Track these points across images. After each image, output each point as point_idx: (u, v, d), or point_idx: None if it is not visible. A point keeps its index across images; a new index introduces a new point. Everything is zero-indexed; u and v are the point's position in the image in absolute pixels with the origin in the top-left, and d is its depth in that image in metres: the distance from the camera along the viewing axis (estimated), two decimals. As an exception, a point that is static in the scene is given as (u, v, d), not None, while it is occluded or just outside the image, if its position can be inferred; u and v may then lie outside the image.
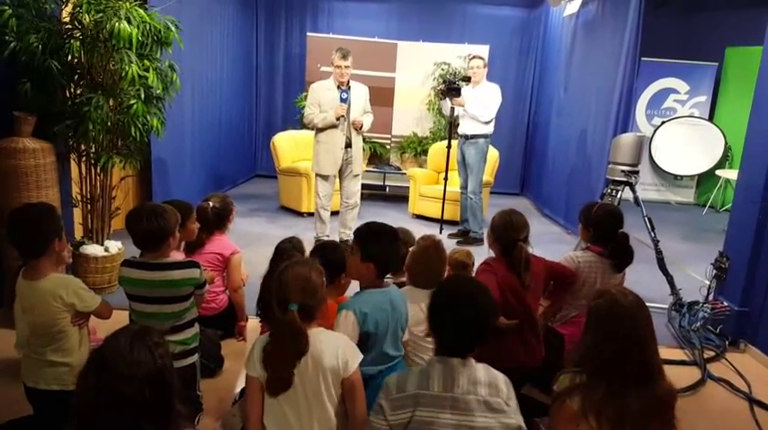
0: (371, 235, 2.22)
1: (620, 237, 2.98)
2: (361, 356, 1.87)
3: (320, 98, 4.98)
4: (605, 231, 2.98)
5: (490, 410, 1.66)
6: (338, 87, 4.95)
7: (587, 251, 3.02)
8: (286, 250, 2.87)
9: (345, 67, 4.90)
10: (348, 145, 5.08)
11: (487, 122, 5.67)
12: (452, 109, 5.65)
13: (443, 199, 5.91)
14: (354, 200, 5.32)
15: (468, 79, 5.74)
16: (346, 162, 5.13)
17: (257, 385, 1.80)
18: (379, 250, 2.17)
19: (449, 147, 5.80)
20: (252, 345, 1.86)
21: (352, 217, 5.36)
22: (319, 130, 5.05)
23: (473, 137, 5.72)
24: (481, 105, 5.60)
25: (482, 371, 1.72)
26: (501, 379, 1.74)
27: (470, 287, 1.78)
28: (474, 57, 5.80)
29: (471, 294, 1.73)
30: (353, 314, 2.07)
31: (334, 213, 5.47)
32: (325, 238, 5.24)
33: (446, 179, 5.86)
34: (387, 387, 1.73)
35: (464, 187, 5.92)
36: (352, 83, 5.07)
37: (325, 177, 5.12)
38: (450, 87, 5.56)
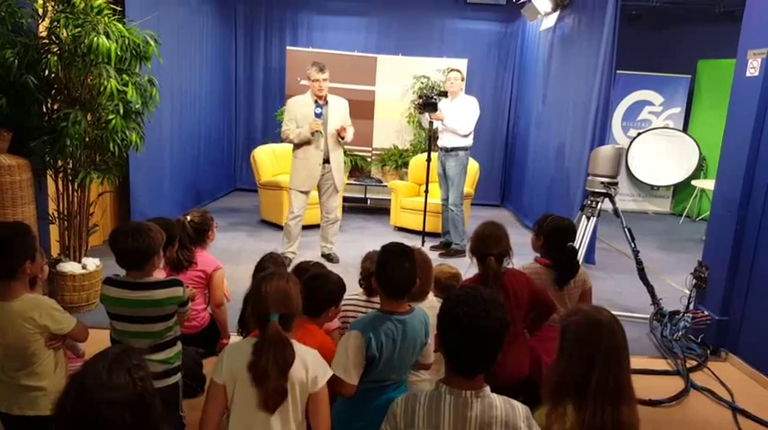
0: (380, 254, 2.16)
1: (568, 250, 2.99)
2: (330, 372, 1.87)
3: (296, 113, 4.89)
4: (554, 242, 2.99)
5: None
6: (315, 102, 4.85)
7: (535, 263, 3.03)
8: (268, 267, 2.84)
9: (323, 80, 4.80)
10: (326, 161, 4.99)
11: (466, 135, 5.72)
12: (431, 122, 5.68)
13: (425, 211, 5.93)
14: (335, 214, 5.26)
15: (444, 94, 5.80)
16: (325, 178, 5.04)
17: (222, 392, 1.78)
18: (384, 270, 2.11)
19: (428, 159, 5.83)
20: (221, 353, 1.84)
21: (333, 231, 5.30)
22: (296, 146, 4.96)
23: (453, 149, 5.75)
24: (459, 119, 5.64)
25: (499, 406, 1.59)
26: (521, 414, 1.61)
27: (484, 301, 1.61)
28: (451, 70, 5.86)
29: (486, 309, 1.57)
30: (361, 335, 2.02)
31: (309, 227, 5.40)
32: (291, 256, 5.02)
33: (426, 191, 5.87)
34: (393, 415, 1.63)
35: (445, 199, 5.95)
36: (330, 97, 4.98)
37: (302, 192, 5.03)
38: (427, 102, 5.60)
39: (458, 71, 5.83)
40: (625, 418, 1.70)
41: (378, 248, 2.23)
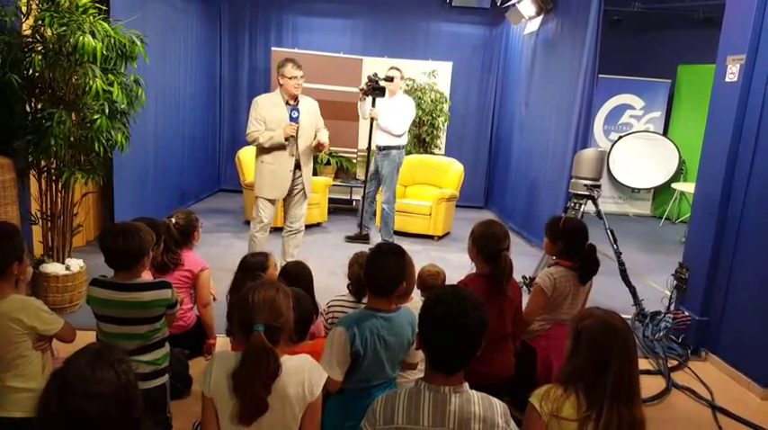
0: (371, 252, 2.18)
1: (589, 249, 3.05)
2: (326, 375, 1.82)
3: (266, 114, 4.44)
4: (575, 244, 3.04)
5: None
6: (287, 103, 4.48)
7: (558, 266, 3.07)
8: (251, 265, 2.86)
9: (301, 77, 4.46)
10: (297, 167, 4.58)
11: (399, 135, 5.85)
12: (371, 110, 5.77)
13: (362, 206, 6.21)
14: (299, 224, 4.75)
15: (390, 79, 5.91)
16: (294, 185, 4.61)
17: (212, 406, 1.73)
18: (371, 269, 2.14)
19: (368, 149, 5.94)
20: (209, 363, 1.79)
21: (296, 243, 4.77)
22: (264, 151, 4.51)
23: (386, 148, 5.91)
24: (394, 118, 5.79)
25: (477, 402, 1.62)
26: (498, 411, 1.64)
27: (464, 299, 1.65)
28: (392, 68, 6.03)
29: (465, 308, 1.62)
30: (345, 331, 2.04)
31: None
32: None
33: (365, 182, 6.05)
34: (373, 413, 1.65)
35: (370, 192, 6.17)
36: (300, 97, 4.59)
37: (271, 201, 4.59)
38: (375, 87, 5.63)
39: (398, 70, 5.98)
40: (638, 415, 1.75)
41: (363, 250, 2.25)
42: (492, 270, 2.67)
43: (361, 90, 5.76)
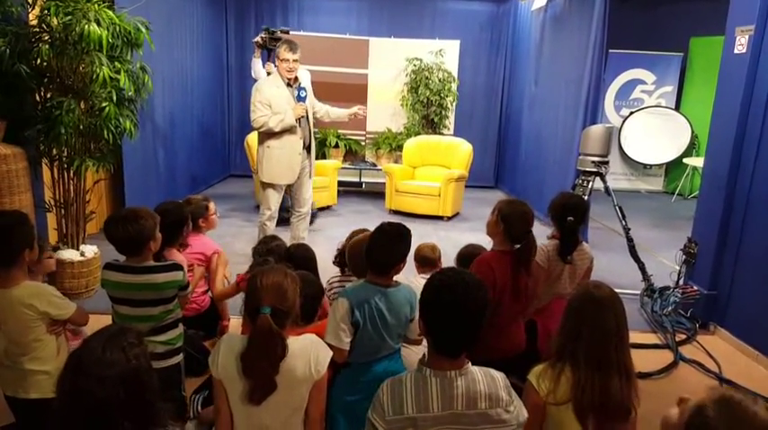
0: (374, 232, 2.23)
1: (568, 225, 3.02)
2: (331, 353, 1.85)
3: (270, 98, 4.33)
4: (557, 218, 3.04)
5: (490, 423, 1.62)
6: (288, 85, 4.41)
7: (553, 239, 3.08)
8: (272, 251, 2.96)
9: (294, 60, 4.34)
10: (306, 148, 4.56)
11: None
12: (268, 64, 5.48)
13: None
14: (307, 208, 4.75)
15: (286, 32, 5.81)
16: (302, 167, 4.58)
17: (221, 387, 1.78)
18: (371, 248, 2.18)
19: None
20: (215, 346, 1.82)
21: (304, 227, 4.78)
22: (271, 136, 4.41)
23: None
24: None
25: (481, 380, 1.65)
26: (501, 385, 1.67)
27: (466, 283, 1.65)
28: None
29: (465, 291, 1.62)
30: (347, 301, 2.10)
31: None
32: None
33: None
34: (381, 405, 1.64)
35: None
36: (297, 75, 4.51)
37: (280, 187, 4.56)
38: (272, 37, 5.42)
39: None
40: (614, 391, 1.78)
41: (362, 227, 2.30)
42: (517, 249, 2.67)
43: (255, 43, 5.30)
